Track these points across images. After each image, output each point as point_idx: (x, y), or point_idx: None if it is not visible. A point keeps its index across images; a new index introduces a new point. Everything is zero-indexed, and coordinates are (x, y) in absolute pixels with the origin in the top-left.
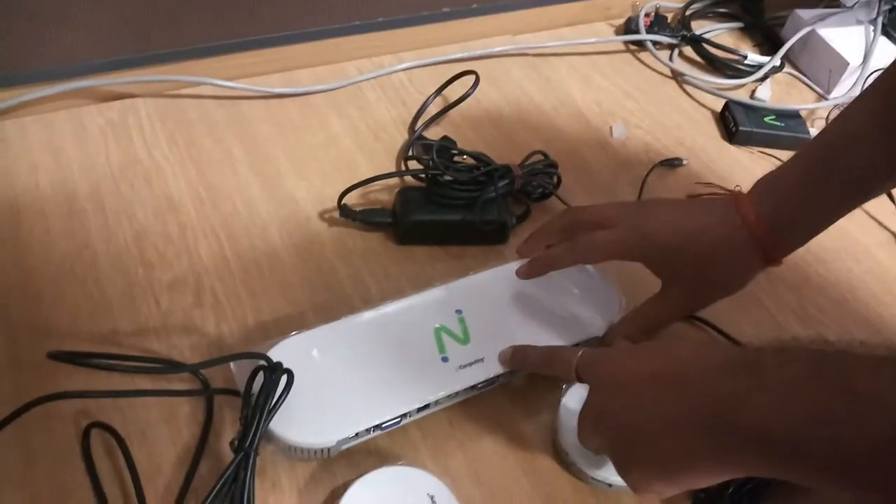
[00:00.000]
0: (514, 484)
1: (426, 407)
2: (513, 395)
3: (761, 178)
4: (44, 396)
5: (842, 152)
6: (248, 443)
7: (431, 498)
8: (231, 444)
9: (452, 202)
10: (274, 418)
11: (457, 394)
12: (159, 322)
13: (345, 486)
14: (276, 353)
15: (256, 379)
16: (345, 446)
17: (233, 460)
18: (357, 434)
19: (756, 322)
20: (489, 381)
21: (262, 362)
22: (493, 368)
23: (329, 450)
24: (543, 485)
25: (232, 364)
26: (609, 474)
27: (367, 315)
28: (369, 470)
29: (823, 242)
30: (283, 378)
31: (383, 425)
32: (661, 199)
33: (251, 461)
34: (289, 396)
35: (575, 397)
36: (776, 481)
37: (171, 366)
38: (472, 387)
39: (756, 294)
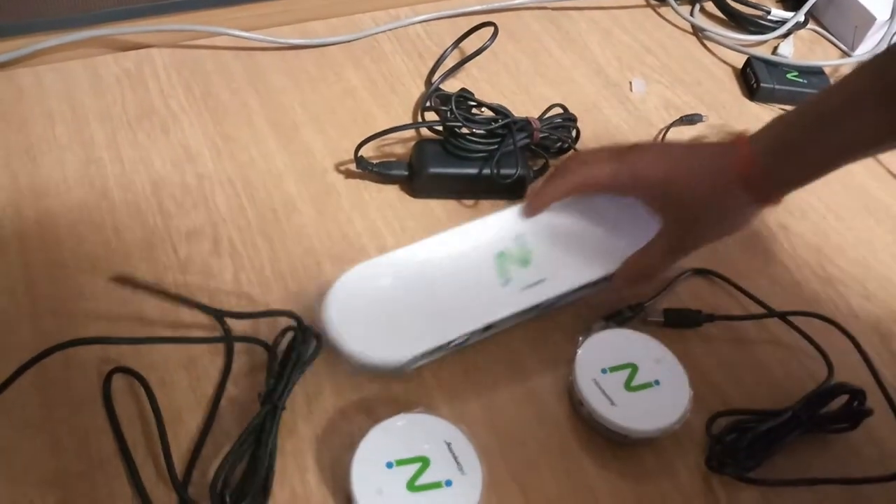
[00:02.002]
0: (529, 433)
1: (491, 327)
2: (529, 345)
3: (766, 124)
4: (64, 342)
5: (841, 113)
6: (277, 396)
7: (448, 445)
8: (259, 395)
9: (470, 155)
10: (347, 338)
11: (521, 313)
12: (178, 270)
13: (362, 433)
14: (345, 281)
15: (286, 336)
16: (414, 365)
17: (260, 412)
18: (427, 352)
19: (773, 278)
20: (553, 301)
21: (293, 322)
22: (557, 287)
23: (401, 367)
24: (559, 434)
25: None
26: (625, 424)
27: (429, 242)
28: (386, 417)
29: (844, 201)
30: (314, 342)
31: (451, 344)
32: (659, 142)
33: (278, 414)
34: (362, 317)
35: (591, 348)
36: (790, 436)
37: (218, 313)
38: (536, 306)
39: (775, 252)
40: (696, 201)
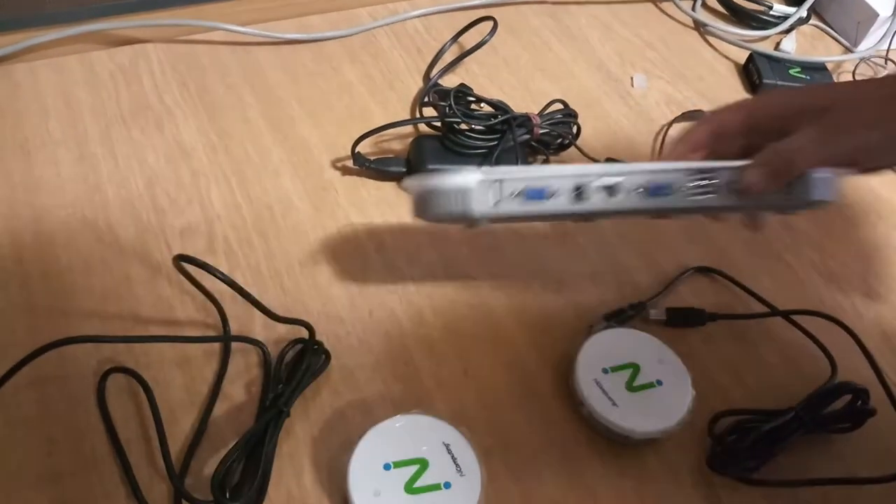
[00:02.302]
0: (529, 434)
1: (582, 197)
2: (529, 344)
3: None
4: (59, 340)
5: None
6: (284, 401)
7: (447, 446)
8: (263, 400)
9: (468, 151)
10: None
11: (629, 192)
12: (171, 268)
13: (359, 434)
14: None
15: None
16: (492, 208)
17: (265, 416)
18: (507, 192)
19: (776, 277)
20: (669, 185)
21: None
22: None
23: (473, 198)
24: (559, 435)
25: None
26: (626, 424)
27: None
28: (384, 418)
29: (846, 198)
30: (323, 357)
31: (532, 190)
32: None
33: (282, 419)
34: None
35: (592, 348)
36: (793, 436)
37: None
38: (652, 189)
39: (777, 249)
40: (849, 107)
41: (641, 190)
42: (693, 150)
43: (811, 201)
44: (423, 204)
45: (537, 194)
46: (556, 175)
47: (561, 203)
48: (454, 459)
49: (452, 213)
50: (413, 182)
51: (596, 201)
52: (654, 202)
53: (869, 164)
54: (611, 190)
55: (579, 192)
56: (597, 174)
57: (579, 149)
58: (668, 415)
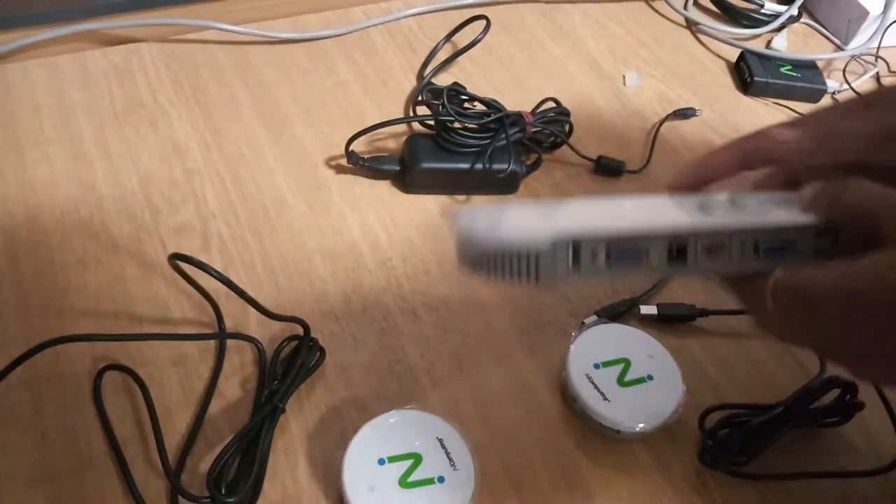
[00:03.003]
0: (522, 429)
1: (682, 259)
2: (522, 341)
3: None
4: (54, 339)
5: None
6: (279, 398)
7: (440, 441)
8: (258, 396)
9: (462, 150)
10: (482, 223)
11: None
12: (166, 266)
13: (354, 430)
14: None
15: (290, 344)
16: (569, 270)
17: (260, 413)
18: (589, 239)
19: None
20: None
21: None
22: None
23: (548, 254)
24: (552, 430)
25: None
26: (618, 419)
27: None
28: (379, 413)
29: None
30: (318, 354)
31: (618, 252)
32: None
33: (277, 415)
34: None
35: (584, 343)
36: (782, 430)
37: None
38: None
39: None
40: None
41: (753, 249)
42: (716, 171)
43: None
44: (473, 258)
45: (628, 258)
46: (649, 232)
47: (654, 267)
48: (448, 454)
49: (513, 279)
50: (463, 221)
51: (698, 263)
52: (770, 264)
53: None
54: (715, 248)
55: (678, 252)
56: (698, 231)
57: (571, 147)
58: (658, 409)
